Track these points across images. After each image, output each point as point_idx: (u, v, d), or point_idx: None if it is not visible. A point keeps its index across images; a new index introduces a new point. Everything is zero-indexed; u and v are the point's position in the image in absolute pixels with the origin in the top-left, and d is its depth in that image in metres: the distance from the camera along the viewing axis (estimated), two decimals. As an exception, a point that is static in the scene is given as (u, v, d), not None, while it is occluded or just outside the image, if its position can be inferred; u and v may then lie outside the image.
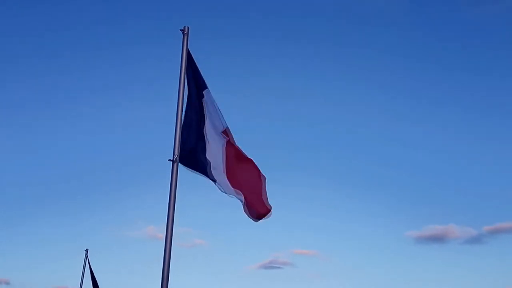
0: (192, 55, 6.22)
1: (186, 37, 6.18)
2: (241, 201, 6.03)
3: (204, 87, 6.20)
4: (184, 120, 6.03)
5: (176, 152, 5.79)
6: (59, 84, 33.63)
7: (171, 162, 5.76)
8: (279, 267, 28.99)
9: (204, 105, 6.16)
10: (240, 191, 6.04)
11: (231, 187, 6.03)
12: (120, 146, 32.02)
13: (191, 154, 6.08)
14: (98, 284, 14.67)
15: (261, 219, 6.10)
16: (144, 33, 32.75)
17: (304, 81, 33.69)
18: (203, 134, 6.12)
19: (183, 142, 5.96)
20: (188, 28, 6.22)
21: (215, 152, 6.11)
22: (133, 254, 27.36)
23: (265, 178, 6.20)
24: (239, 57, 32.58)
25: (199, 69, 6.23)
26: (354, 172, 32.52)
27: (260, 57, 33.72)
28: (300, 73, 33.73)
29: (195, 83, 6.19)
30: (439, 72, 34.31)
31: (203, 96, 6.16)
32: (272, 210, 6.10)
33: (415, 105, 34.17)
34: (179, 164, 5.82)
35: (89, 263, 15.05)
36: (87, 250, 15.45)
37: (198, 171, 6.08)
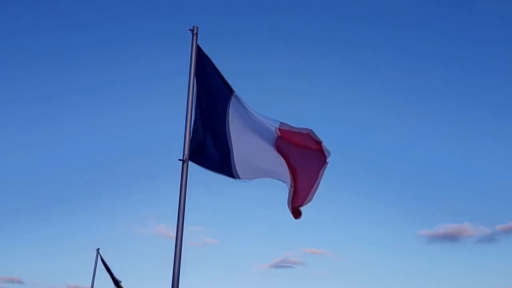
0: (210, 58, 6.25)
1: (195, 36, 6.22)
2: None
3: (230, 91, 6.23)
4: (197, 119, 6.06)
5: (186, 152, 5.83)
6: (71, 80, 33.84)
7: (181, 161, 5.80)
8: (290, 266, 29.00)
9: (231, 107, 6.18)
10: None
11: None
12: (132, 144, 32.14)
13: (205, 152, 6.09)
14: (116, 279, 14.66)
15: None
16: (155, 31, 32.87)
17: (315, 81, 33.65)
18: (226, 136, 6.13)
19: (196, 140, 5.98)
20: (197, 27, 6.25)
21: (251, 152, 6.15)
22: (144, 252, 27.49)
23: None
24: (249, 56, 32.60)
25: (220, 71, 6.25)
26: (366, 171, 32.44)
27: (269, 57, 33.72)
28: (311, 73, 33.69)
29: (217, 86, 6.22)
30: (455, 71, 34.18)
31: (229, 100, 6.20)
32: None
33: (429, 104, 34.06)
34: (190, 162, 5.86)
35: (103, 261, 15.07)
36: (98, 250, 15.52)
37: (211, 169, 6.10)
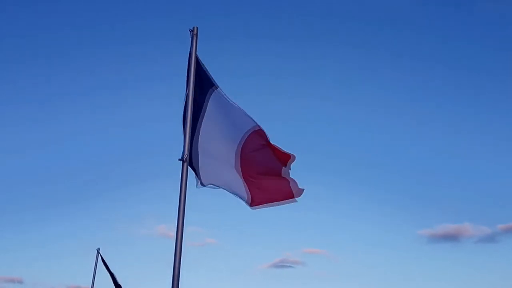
0: (198, 55, 6.24)
1: (195, 37, 6.23)
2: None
3: (209, 86, 6.21)
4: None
5: (186, 152, 5.84)
6: (71, 81, 33.86)
7: (181, 161, 5.81)
8: (290, 266, 29.00)
9: (206, 106, 6.17)
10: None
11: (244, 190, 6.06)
12: (132, 144, 32.15)
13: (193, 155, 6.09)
14: (118, 281, 14.54)
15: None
16: (154, 32, 32.86)
17: (315, 81, 33.66)
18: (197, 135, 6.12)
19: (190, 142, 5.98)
20: (197, 28, 6.26)
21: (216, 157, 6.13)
22: (144, 252, 27.49)
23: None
24: (248, 57, 32.60)
25: (206, 69, 6.24)
26: (366, 171, 32.45)
27: (269, 57, 33.70)
28: (311, 73, 33.69)
29: (200, 84, 6.21)
30: (454, 71, 34.17)
31: (206, 97, 6.18)
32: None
33: (428, 104, 34.05)
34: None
35: (104, 261, 15.00)
36: (98, 249, 15.46)
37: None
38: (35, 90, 33.87)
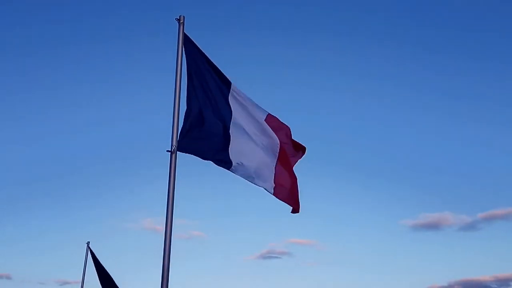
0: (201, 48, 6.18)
1: (181, 26, 6.12)
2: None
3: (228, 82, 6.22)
4: (193, 109, 5.98)
5: (174, 143, 5.75)
6: (55, 75, 33.55)
7: (169, 153, 5.72)
8: (276, 257, 29.12)
9: (231, 100, 6.18)
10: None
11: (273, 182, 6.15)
12: (119, 138, 31.99)
13: (194, 140, 5.96)
14: (110, 276, 14.22)
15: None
16: (140, 22, 32.61)
17: (301, 71, 33.63)
18: (227, 128, 6.09)
19: (186, 131, 5.87)
20: (183, 17, 6.16)
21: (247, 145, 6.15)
22: (133, 246, 27.43)
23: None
24: (236, 47, 32.42)
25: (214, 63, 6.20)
26: (349, 161, 32.63)
27: (258, 48, 33.57)
28: (298, 63, 33.65)
29: (212, 77, 6.16)
30: (433, 59, 34.26)
31: (228, 91, 6.18)
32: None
33: (409, 93, 34.13)
34: (178, 153, 5.76)
35: (93, 254, 14.81)
36: (88, 243, 15.31)
37: (201, 157, 6.01)
38: (17, 86, 33.51)
